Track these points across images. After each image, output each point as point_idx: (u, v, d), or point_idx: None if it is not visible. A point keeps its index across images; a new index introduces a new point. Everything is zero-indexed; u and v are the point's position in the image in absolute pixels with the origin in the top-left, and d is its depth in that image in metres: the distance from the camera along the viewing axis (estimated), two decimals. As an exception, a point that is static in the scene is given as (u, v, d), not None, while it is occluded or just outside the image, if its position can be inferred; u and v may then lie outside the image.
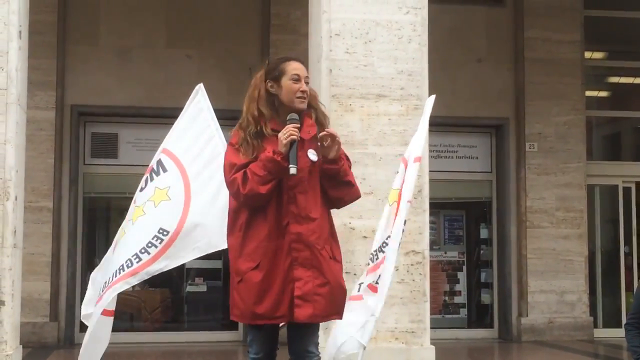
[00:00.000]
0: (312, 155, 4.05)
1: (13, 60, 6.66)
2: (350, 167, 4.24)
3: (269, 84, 4.15)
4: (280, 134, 3.96)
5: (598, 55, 12.70)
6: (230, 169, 4.05)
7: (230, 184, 4.05)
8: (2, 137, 6.57)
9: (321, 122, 4.19)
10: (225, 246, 5.19)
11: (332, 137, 4.01)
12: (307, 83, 4.16)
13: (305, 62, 7.00)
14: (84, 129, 11.09)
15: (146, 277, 5.12)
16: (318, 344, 4.15)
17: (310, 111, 4.19)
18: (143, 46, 11.01)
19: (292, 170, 3.91)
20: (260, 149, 4.02)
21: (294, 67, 4.14)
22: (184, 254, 5.19)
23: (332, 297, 4.02)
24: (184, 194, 5.19)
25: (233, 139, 4.15)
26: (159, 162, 5.30)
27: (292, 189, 4.00)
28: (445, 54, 10.93)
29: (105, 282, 5.08)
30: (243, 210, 4.05)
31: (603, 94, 13.09)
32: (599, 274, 12.06)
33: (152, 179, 5.26)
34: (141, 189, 5.29)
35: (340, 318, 4.21)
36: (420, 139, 5.32)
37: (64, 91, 10.78)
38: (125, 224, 5.25)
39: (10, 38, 6.67)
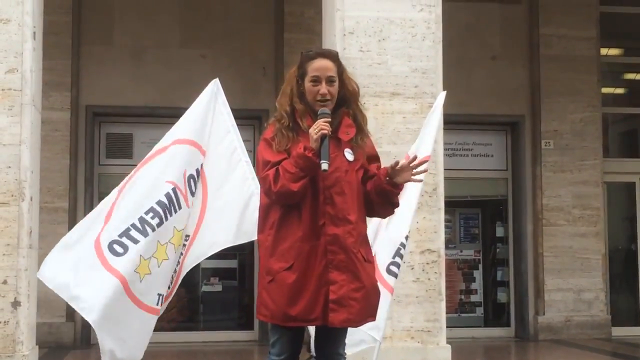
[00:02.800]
0: (349, 154, 3.95)
1: (27, 61, 6.68)
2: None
3: (299, 81, 4.04)
4: (310, 130, 3.82)
5: (614, 51, 12.62)
6: (264, 167, 3.93)
7: (262, 181, 3.95)
8: (17, 137, 6.59)
9: (359, 123, 4.05)
10: (237, 242, 5.23)
11: (415, 165, 3.91)
12: (331, 82, 3.96)
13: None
14: (99, 129, 11.13)
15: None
16: (345, 345, 4.08)
17: (349, 110, 4.05)
18: (157, 46, 11.03)
19: (324, 165, 3.75)
20: (295, 141, 3.90)
21: (314, 68, 3.97)
22: (202, 252, 5.20)
23: (367, 301, 3.92)
24: (202, 195, 5.17)
25: (267, 133, 4.02)
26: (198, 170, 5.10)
27: (328, 189, 3.88)
28: (460, 51, 10.90)
29: (160, 297, 4.89)
30: (275, 207, 3.94)
31: (619, 90, 13.01)
32: (616, 272, 11.98)
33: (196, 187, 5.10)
34: (192, 194, 5.04)
35: (373, 320, 4.08)
36: (429, 137, 5.30)
37: (79, 92, 10.81)
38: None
39: (25, 39, 6.69)
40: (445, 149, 7.61)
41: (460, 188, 11.57)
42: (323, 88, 3.94)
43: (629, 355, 10.41)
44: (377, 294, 4.03)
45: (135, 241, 4.74)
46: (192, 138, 5.13)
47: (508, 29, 11.73)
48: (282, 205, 3.91)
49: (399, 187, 3.98)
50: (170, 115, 10.76)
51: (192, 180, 5.05)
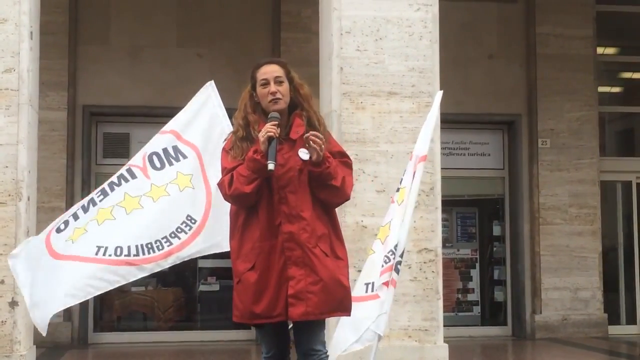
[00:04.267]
0: (304, 154, 4.07)
1: (24, 61, 6.67)
2: (348, 167, 4.23)
3: (254, 94, 4.24)
4: (260, 133, 4.03)
5: (610, 50, 12.64)
6: (222, 174, 4.18)
7: (219, 186, 4.17)
8: (14, 137, 6.59)
9: (312, 123, 4.19)
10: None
11: (312, 138, 3.99)
12: (280, 82, 4.16)
13: (315, 60, 6.99)
14: (96, 129, 11.12)
15: (177, 262, 5.17)
16: (324, 342, 4.18)
17: (302, 112, 4.22)
18: (154, 46, 11.03)
19: (270, 166, 3.95)
20: (249, 150, 4.09)
21: (261, 73, 4.20)
22: (211, 245, 5.24)
23: (327, 295, 4.02)
24: (204, 187, 5.26)
25: (226, 145, 4.25)
26: (176, 149, 5.32)
27: (282, 189, 4.05)
28: (456, 50, 10.91)
29: (121, 249, 5.01)
30: (241, 212, 4.13)
31: (616, 89, 13.03)
32: (613, 271, 12.00)
33: (171, 164, 5.28)
34: (155, 168, 5.27)
35: (347, 314, 4.22)
36: (426, 137, 5.31)
37: (76, 91, 10.81)
38: (141, 198, 5.16)
39: (22, 39, 6.69)
40: (442, 148, 7.61)
41: (457, 187, 11.58)
42: (272, 87, 4.14)
43: (625, 354, 10.44)
44: (342, 288, 4.09)
45: (76, 218, 5.09)
46: (172, 128, 5.29)
47: (505, 28, 11.74)
48: (245, 209, 4.10)
49: (319, 166, 4.03)
50: (167, 115, 10.67)
51: (154, 157, 5.29)
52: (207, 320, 11.48)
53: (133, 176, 5.23)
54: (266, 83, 4.15)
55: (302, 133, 4.11)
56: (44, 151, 9.23)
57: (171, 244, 5.10)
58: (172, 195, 5.17)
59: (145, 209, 5.12)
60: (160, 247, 5.08)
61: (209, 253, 5.30)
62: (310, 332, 4.10)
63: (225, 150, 4.23)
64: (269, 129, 4.00)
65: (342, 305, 4.12)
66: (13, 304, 6.48)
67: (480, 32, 11.65)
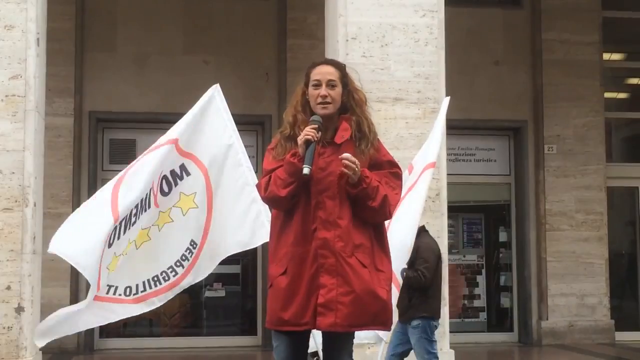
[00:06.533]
0: None
1: (31, 67, 6.70)
2: (397, 178, 4.05)
3: (305, 92, 4.10)
4: (299, 137, 3.91)
5: (616, 56, 12.62)
6: (262, 175, 4.05)
7: (258, 188, 4.06)
8: (20, 144, 6.61)
9: (362, 128, 4.05)
10: (237, 250, 5.28)
11: (344, 163, 3.83)
12: (332, 86, 4.01)
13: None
14: (102, 135, 11.15)
15: (179, 292, 5.15)
16: (352, 351, 4.04)
17: (352, 117, 4.07)
18: (160, 53, 11.05)
19: (305, 170, 3.79)
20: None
21: (315, 73, 4.05)
22: (209, 264, 5.23)
23: (358, 308, 3.82)
24: (206, 201, 5.18)
25: (271, 144, 4.13)
26: (183, 167, 5.21)
27: (321, 194, 3.90)
28: (462, 56, 10.90)
29: (130, 288, 5.03)
30: (280, 215, 4.01)
31: (622, 95, 13.01)
32: (619, 277, 11.96)
33: (176, 184, 5.18)
34: (164, 194, 5.13)
35: (384, 329, 4.03)
36: (434, 144, 5.32)
37: (82, 98, 10.83)
38: (150, 229, 5.10)
39: (28, 45, 6.72)
40: (448, 154, 7.62)
41: (463, 193, 11.57)
42: (323, 90, 3.99)
43: (632, 360, 10.41)
44: (377, 301, 3.88)
45: (118, 237, 4.92)
46: (176, 137, 5.21)
47: (510, 34, 11.75)
48: (284, 212, 3.96)
49: (354, 188, 3.88)
50: (173, 121, 10.66)
51: (164, 181, 5.15)
52: (213, 327, 11.49)
53: (149, 206, 5.07)
54: (318, 85, 4.01)
55: (347, 138, 3.98)
56: (50, 157, 9.25)
57: (176, 273, 5.07)
58: (175, 221, 5.09)
59: (153, 241, 5.06)
60: (167, 278, 5.06)
61: (205, 276, 5.32)
62: (338, 342, 3.98)
63: (268, 150, 4.09)
64: (307, 132, 3.86)
65: (377, 319, 3.91)
66: (19, 309, 6.49)
67: (486, 39, 11.65)
